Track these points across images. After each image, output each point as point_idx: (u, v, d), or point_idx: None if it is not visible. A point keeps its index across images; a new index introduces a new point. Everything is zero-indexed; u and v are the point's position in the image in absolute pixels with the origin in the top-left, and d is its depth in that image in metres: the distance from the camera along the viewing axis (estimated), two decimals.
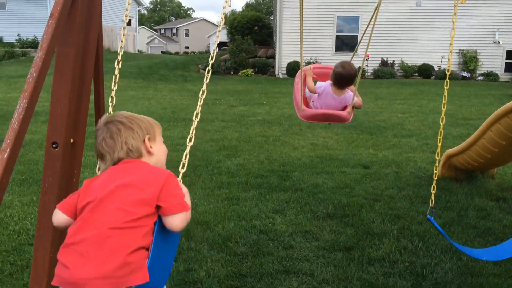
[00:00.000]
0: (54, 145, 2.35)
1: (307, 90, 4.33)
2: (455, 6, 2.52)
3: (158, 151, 1.82)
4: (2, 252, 3.89)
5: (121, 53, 2.32)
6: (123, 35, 2.48)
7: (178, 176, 1.89)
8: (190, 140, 2.11)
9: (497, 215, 4.90)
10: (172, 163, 4.17)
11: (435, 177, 2.69)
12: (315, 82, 4.30)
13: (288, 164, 6.85)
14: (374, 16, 3.23)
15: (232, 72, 22.20)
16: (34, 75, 1.99)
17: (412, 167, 6.78)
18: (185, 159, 2.05)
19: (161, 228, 1.58)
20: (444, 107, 2.61)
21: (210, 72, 2.20)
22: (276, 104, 13.41)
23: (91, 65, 2.41)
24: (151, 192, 1.58)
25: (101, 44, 2.46)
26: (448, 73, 2.57)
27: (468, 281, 3.55)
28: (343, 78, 3.99)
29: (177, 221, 1.59)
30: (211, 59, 2.35)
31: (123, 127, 1.75)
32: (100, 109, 3.21)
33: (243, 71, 21.71)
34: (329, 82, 4.19)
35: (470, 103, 13.93)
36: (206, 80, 2.20)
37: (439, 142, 2.66)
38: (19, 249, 3.95)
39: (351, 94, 4.06)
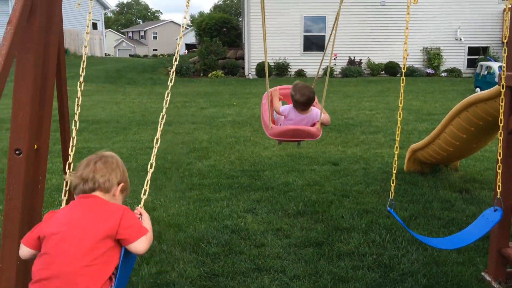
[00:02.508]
0: (17, 152, 2.33)
1: (274, 112, 4.20)
2: (408, 6, 2.62)
3: (118, 201, 2.02)
4: None
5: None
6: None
7: (146, 177, 2.17)
8: (157, 142, 2.25)
9: (461, 206, 5.08)
10: (143, 167, 4.11)
11: (394, 170, 2.79)
12: (282, 103, 4.24)
13: (258, 164, 6.91)
14: (336, 22, 3.29)
15: (201, 74, 22.15)
16: None
17: (380, 163, 6.94)
18: (153, 159, 2.23)
19: (124, 258, 1.80)
20: (401, 103, 2.71)
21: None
22: (246, 105, 13.47)
23: (53, 71, 2.40)
24: (110, 227, 1.78)
25: (62, 49, 2.45)
26: (403, 71, 2.68)
27: (434, 270, 3.68)
28: (302, 103, 3.91)
29: (139, 246, 1.82)
30: (175, 60, 2.43)
31: (116, 163, 2.00)
32: (64, 115, 3.19)
33: (213, 72, 21.70)
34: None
35: (434, 99, 14.34)
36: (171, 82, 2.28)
37: (397, 137, 2.76)
38: None
39: (317, 111, 3.96)
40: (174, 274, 3.59)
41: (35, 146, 2.42)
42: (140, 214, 2.07)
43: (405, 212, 4.88)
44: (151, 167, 2.20)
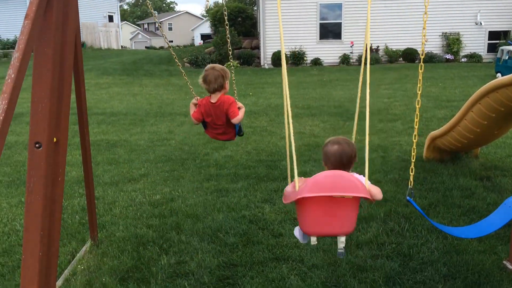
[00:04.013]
0: (37, 145, 2.36)
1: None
2: None
3: (227, 87, 3.53)
4: None
5: None
6: None
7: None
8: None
9: (481, 194, 5.00)
10: (160, 158, 4.10)
11: (413, 159, 2.75)
12: None
13: (275, 154, 6.90)
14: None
15: None
16: (12, 76, 2.00)
17: (398, 151, 6.87)
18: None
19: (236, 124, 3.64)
20: (419, 90, 2.66)
21: None
22: (262, 94, 13.43)
23: (70, 64, 2.41)
24: (225, 111, 3.52)
25: (79, 42, 2.46)
26: (422, 57, 2.62)
27: (454, 259, 3.63)
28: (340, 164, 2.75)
29: (235, 120, 3.49)
30: None
31: (220, 73, 3.45)
32: (82, 107, 3.22)
33: (228, 62, 21.66)
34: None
35: (454, 85, 14.08)
36: None
37: (416, 125, 2.71)
38: (10, 250, 3.96)
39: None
40: (193, 264, 3.63)
41: (55, 139, 2.45)
42: (239, 107, 3.56)
43: (424, 201, 4.82)
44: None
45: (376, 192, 2.54)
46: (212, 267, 3.59)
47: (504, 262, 3.54)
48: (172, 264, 3.65)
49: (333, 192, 2.41)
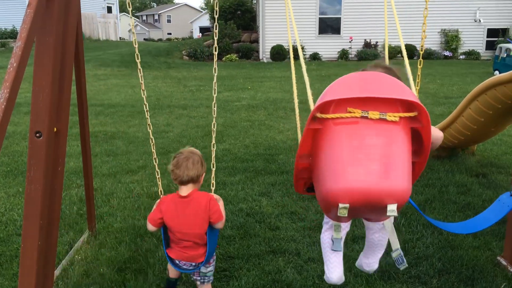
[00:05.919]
0: (37, 134, 2.37)
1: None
2: None
3: (201, 182, 2.78)
4: None
5: None
6: None
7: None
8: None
9: (477, 190, 5.04)
10: (158, 150, 4.14)
11: None
12: None
13: (273, 148, 6.92)
14: None
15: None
16: (14, 65, 2.00)
17: None
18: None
19: (210, 230, 2.70)
20: (417, 86, 2.68)
21: None
22: (260, 88, 13.42)
23: (71, 54, 2.41)
24: (205, 218, 2.66)
25: (80, 32, 2.46)
26: (421, 52, 2.64)
27: (449, 254, 3.67)
28: None
29: (220, 225, 2.71)
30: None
31: (199, 161, 2.72)
32: (82, 98, 3.23)
33: (227, 56, 21.59)
34: None
35: (452, 82, 14.11)
36: None
37: None
38: (7, 240, 3.97)
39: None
40: None
41: (55, 129, 2.46)
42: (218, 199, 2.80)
43: (420, 196, 4.86)
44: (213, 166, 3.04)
45: (436, 132, 1.65)
46: None
47: (498, 258, 3.59)
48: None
49: (369, 93, 1.55)
